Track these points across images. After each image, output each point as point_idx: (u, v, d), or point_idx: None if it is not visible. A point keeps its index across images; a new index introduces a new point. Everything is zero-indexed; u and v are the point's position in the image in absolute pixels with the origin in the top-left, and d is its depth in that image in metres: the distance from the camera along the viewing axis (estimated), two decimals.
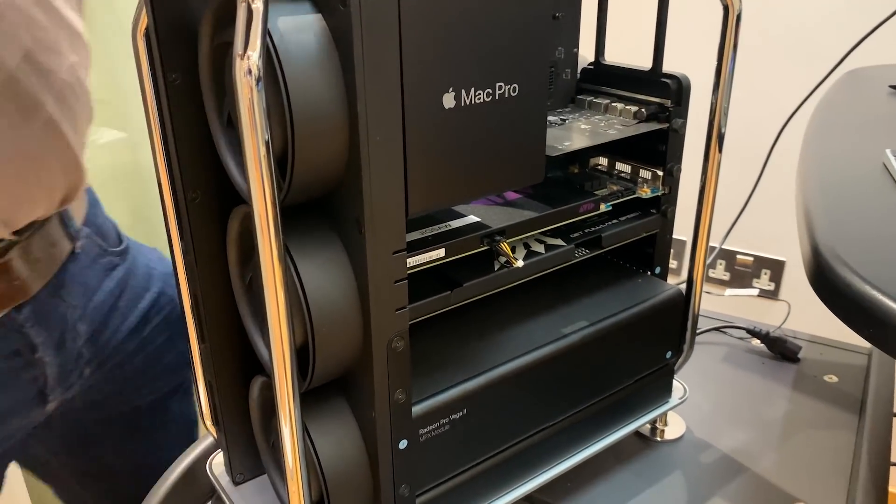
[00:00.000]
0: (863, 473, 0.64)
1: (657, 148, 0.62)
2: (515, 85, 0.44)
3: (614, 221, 0.63)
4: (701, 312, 0.94)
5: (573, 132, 0.60)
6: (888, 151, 0.56)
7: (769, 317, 0.93)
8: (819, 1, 1.25)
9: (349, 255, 0.44)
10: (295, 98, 0.37)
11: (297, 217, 0.44)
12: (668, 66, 0.61)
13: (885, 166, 0.55)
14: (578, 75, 0.67)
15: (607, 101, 0.64)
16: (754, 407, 0.76)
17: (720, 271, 1.41)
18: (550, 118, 0.64)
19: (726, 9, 0.57)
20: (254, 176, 0.36)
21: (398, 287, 0.44)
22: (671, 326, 0.66)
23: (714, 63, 0.58)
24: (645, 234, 0.64)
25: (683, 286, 0.67)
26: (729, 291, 0.93)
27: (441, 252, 0.50)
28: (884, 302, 0.36)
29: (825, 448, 0.69)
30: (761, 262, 1.36)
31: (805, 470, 0.67)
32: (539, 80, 0.46)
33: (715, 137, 0.62)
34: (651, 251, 0.66)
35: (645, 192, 0.63)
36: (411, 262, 0.48)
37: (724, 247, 1.45)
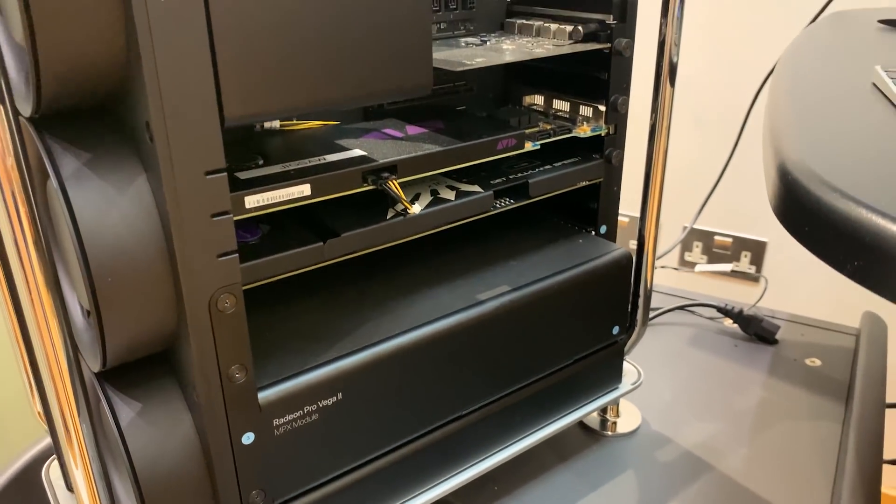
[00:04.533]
0: (850, 471, 0.53)
1: (598, 77, 0.51)
2: None
3: (547, 167, 0.51)
4: (667, 290, 0.83)
5: (491, 51, 0.49)
6: (878, 67, 0.45)
7: (746, 298, 0.82)
8: None
9: (149, 181, 0.32)
10: None
11: (75, 127, 0.32)
12: None
13: (875, 85, 0.44)
14: None
15: (540, 22, 0.53)
16: (724, 395, 0.64)
17: (697, 254, 1.30)
18: (468, 39, 0.52)
19: None
20: None
21: (219, 224, 0.33)
22: (617, 296, 0.54)
23: None
24: (586, 184, 0.53)
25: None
26: (699, 267, 0.82)
27: (305, 189, 0.39)
28: (875, 223, 0.25)
29: (806, 442, 0.58)
30: (741, 244, 1.25)
31: (783, 469, 0.56)
32: None
33: (666, 68, 0.51)
34: (595, 206, 0.55)
35: (584, 131, 0.52)
36: (264, 199, 0.37)
37: (701, 227, 1.33)
